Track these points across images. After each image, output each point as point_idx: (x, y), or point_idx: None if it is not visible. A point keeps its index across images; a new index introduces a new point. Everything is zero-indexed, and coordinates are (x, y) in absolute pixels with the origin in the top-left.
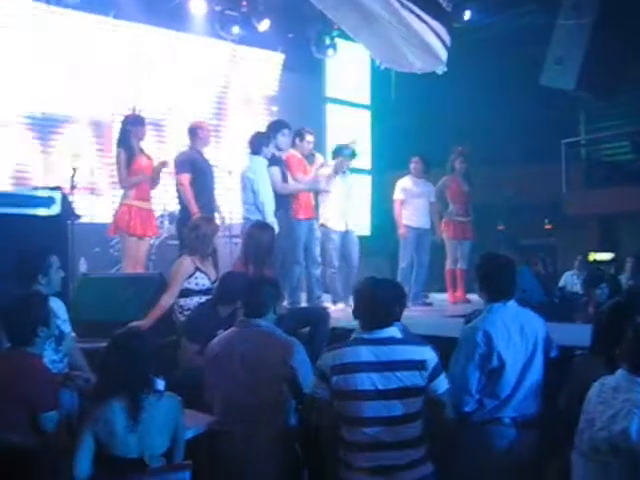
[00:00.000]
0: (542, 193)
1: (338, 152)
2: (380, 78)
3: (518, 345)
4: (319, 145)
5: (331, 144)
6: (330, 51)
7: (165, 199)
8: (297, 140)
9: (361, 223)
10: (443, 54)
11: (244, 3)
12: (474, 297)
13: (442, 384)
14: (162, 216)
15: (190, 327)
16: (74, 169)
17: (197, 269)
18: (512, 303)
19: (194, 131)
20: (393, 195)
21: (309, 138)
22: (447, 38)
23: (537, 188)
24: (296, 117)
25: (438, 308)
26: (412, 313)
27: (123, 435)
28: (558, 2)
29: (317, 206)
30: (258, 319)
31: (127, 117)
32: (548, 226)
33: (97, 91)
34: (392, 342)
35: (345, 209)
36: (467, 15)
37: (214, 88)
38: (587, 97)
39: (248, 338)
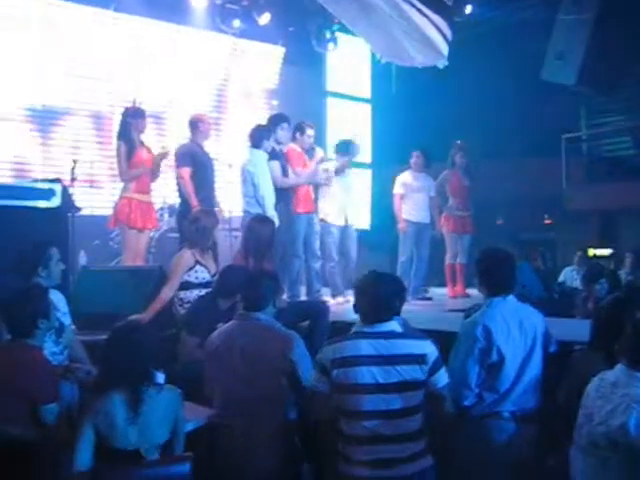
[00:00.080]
0: (542, 188)
1: (344, 149)
2: (381, 72)
3: (517, 340)
4: (319, 139)
5: (331, 138)
6: (331, 45)
7: (165, 192)
8: (297, 134)
9: (361, 217)
10: (444, 48)
11: None
12: (474, 291)
13: (442, 378)
14: (162, 209)
15: (190, 320)
16: (74, 161)
17: (197, 262)
18: (512, 298)
19: (195, 124)
20: (393, 189)
21: (309, 132)
22: (448, 32)
23: (537, 183)
24: (296, 111)
25: (438, 302)
26: (412, 307)
27: (123, 427)
28: None
29: (317, 200)
30: (258, 312)
31: (127, 109)
32: (548, 221)
33: (97, 84)
34: (392, 336)
35: (345, 204)
36: (468, 9)
37: (214, 81)
38: (588, 92)
39: (248, 331)
